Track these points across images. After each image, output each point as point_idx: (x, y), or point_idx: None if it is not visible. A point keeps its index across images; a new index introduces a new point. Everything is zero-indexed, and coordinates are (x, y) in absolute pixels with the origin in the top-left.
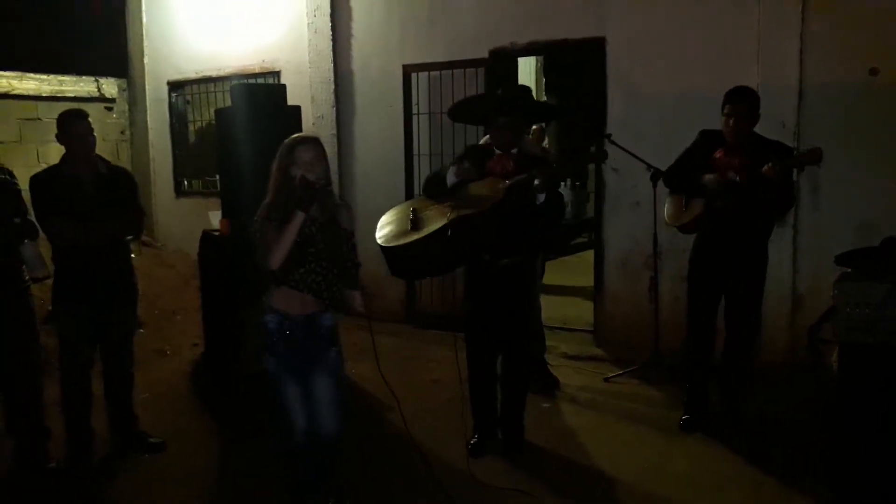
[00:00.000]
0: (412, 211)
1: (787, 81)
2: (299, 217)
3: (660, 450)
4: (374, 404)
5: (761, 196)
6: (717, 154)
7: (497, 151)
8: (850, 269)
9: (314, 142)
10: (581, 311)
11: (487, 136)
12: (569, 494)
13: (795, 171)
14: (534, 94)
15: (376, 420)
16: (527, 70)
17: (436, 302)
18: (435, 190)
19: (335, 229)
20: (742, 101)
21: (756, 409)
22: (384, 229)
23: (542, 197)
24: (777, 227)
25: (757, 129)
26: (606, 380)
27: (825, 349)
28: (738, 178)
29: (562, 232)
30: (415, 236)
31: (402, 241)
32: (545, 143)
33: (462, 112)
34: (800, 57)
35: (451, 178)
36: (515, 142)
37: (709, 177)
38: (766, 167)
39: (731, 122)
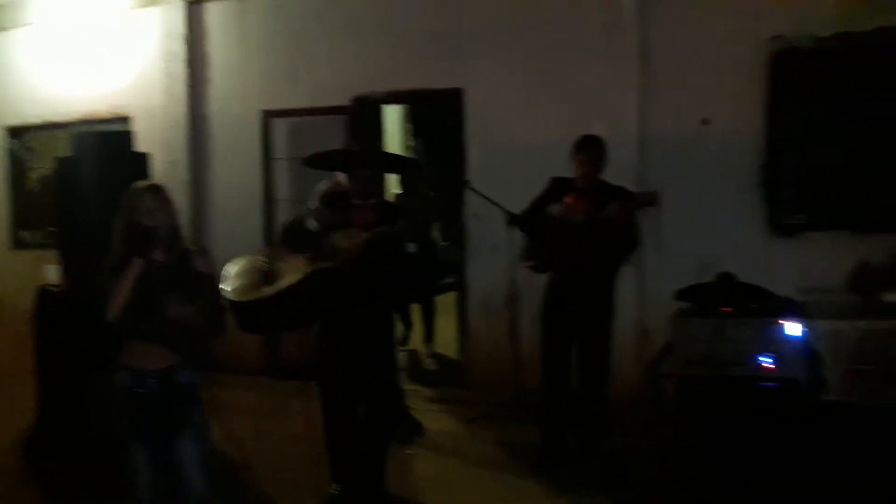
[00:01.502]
0: (264, 262)
1: (629, 131)
2: (136, 264)
3: (520, 490)
4: (230, 463)
5: (606, 237)
6: (567, 199)
7: (356, 202)
8: (686, 305)
9: (154, 189)
10: (446, 353)
11: (326, 181)
12: None
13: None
14: (399, 140)
15: (231, 480)
16: (392, 117)
17: (297, 351)
18: (294, 239)
19: (188, 275)
20: (593, 150)
21: (610, 444)
22: (231, 281)
23: (411, 247)
24: (623, 267)
25: (603, 175)
26: (470, 421)
27: (665, 383)
28: (582, 221)
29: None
30: (267, 291)
31: (252, 296)
32: None
33: (319, 162)
34: (640, 109)
35: (311, 225)
36: (374, 192)
37: (555, 207)
38: (608, 208)
39: (586, 169)
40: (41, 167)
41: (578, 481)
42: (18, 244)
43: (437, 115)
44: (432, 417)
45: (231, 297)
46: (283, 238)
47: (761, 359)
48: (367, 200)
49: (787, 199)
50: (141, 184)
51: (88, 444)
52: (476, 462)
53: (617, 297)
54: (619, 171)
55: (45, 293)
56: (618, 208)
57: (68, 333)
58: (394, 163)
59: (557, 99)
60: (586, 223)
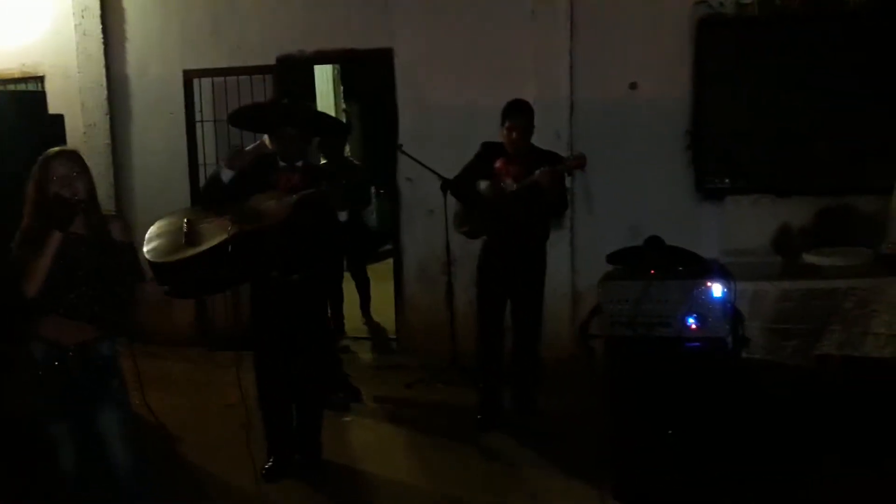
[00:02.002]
0: (186, 223)
1: (560, 96)
2: (55, 238)
3: (457, 452)
4: (164, 436)
5: (536, 201)
6: (498, 164)
7: (281, 163)
8: (616, 268)
9: (70, 154)
10: (384, 319)
11: (258, 142)
12: None
13: (568, 177)
14: (332, 101)
15: (165, 453)
16: (324, 78)
17: (230, 321)
18: (214, 195)
19: (107, 245)
20: (522, 116)
21: (545, 404)
22: (153, 242)
23: (343, 215)
24: (556, 231)
25: (535, 139)
26: (408, 386)
27: (595, 343)
28: (513, 187)
29: (370, 240)
30: (190, 252)
31: (175, 257)
32: (346, 151)
33: (244, 119)
34: (570, 73)
35: (226, 175)
36: (301, 154)
37: (484, 185)
38: (537, 173)
39: (514, 135)
40: None
41: (514, 441)
42: None
43: (370, 76)
44: (370, 384)
45: (150, 257)
46: (204, 198)
47: (687, 319)
48: (294, 163)
49: (713, 164)
50: (53, 150)
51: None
52: (414, 427)
53: (549, 260)
54: (550, 137)
55: None
56: (545, 172)
57: None
58: (322, 123)
59: (488, 61)
60: (513, 188)
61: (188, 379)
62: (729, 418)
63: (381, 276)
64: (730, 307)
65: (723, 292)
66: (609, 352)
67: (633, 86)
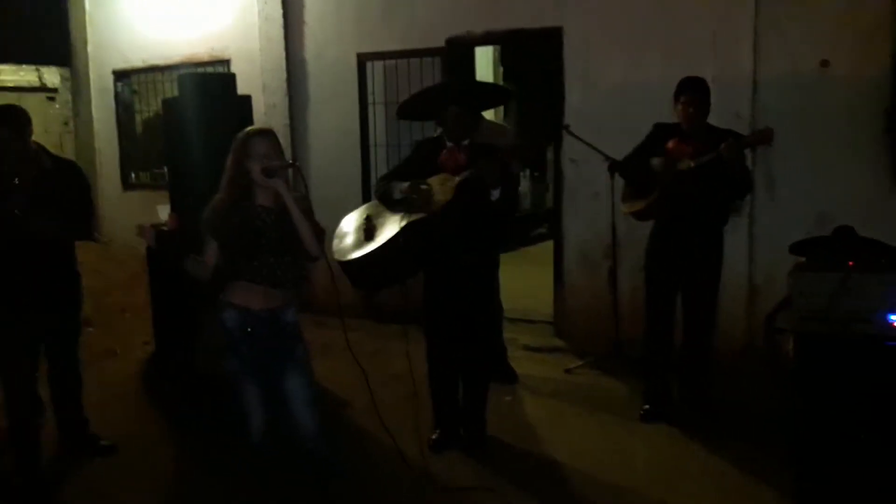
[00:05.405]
0: (366, 219)
1: (742, 73)
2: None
3: (621, 440)
4: (330, 401)
5: (717, 179)
6: (670, 144)
7: (448, 143)
8: (803, 259)
9: (268, 133)
10: (541, 303)
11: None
12: (530, 488)
13: (750, 155)
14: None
15: (332, 417)
16: (484, 60)
17: (396, 295)
18: (385, 198)
19: (289, 216)
20: (698, 90)
21: (716, 399)
22: (341, 240)
23: (496, 193)
24: (733, 218)
25: (713, 120)
26: (567, 371)
27: (781, 338)
28: (690, 164)
29: (521, 224)
30: (368, 247)
31: (355, 255)
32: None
33: (410, 110)
34: (754, 49)
35: (396, 196)
36: (467, 133)
37: (656, 160)
38: (722, 146)
39: (691, 110)
40: (146, 110)
41: (681, 434)
42: (128, 186)
43: (530, 56)
44: (529, 365)
45: (337, 257)
46: (378, 194)
47: (890, 316)
48: (460, 142)
49: None
50: (252, 128)
51: (198, 376)
52: (576, 409)
53: (725, 247)
54: (730, 117)
55: (156, 233)
56: (730, 144)
57: (179, 271)
58: (487, 96)
59: (663, 38)
60: (694, 165)
61: (356, 348)
62: None
63: (534, 260)
64: None
65: None
66: (799, 349)
67: (824, 63)
